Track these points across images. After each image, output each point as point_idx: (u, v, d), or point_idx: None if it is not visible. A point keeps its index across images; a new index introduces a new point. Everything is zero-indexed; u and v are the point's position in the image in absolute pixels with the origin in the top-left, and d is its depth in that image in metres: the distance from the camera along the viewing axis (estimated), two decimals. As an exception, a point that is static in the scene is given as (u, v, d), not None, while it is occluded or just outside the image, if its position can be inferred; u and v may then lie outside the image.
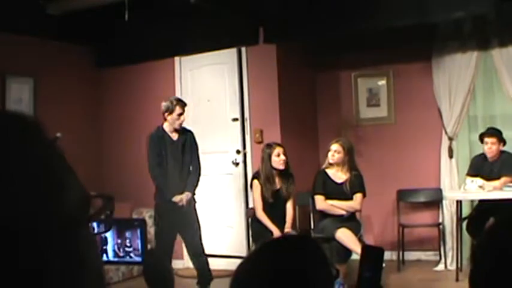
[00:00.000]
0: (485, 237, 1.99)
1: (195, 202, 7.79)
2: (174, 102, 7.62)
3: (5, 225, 0.89)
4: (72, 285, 0.95)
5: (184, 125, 7.77)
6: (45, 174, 0.96)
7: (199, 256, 7.80)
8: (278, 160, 7.78)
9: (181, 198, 7.58)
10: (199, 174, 7.83)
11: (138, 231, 2.29)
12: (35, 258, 0.91)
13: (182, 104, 7.69)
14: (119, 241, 2.26)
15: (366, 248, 2.40)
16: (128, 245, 2.27)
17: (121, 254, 2.27)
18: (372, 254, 2.36)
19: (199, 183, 7.84)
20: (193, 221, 7.74)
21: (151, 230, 8.10)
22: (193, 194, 7.76)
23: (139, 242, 2.28)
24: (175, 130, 7.68)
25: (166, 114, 7.61)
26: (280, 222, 7.73)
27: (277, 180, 7.83)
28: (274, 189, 7.81)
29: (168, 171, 7.63)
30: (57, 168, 0.99)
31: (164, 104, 7.65)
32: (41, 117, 1.03)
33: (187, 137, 7.82)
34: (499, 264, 1.78)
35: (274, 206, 7.80)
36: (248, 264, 1.75)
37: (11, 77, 8.74)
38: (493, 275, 1.79)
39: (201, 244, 7.77)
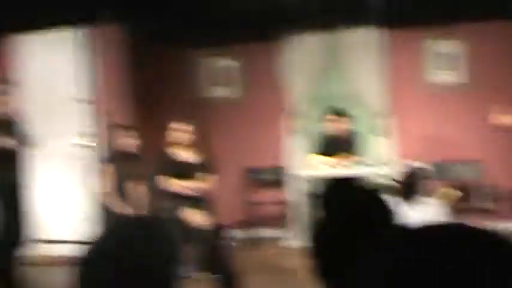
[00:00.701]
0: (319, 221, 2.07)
1: None
2: None
3: None
4: None
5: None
6: None
7: None
8: (127, 143, 7.75)
9: None
10: None
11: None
12: None
13: None
14: None
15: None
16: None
17: None
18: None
19: None
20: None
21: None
22: None
23: None
24: None
25: None
26: (131, 205, 7.71)
27: (124, 162, 7.79)
28: (124, 171, 7.77)
29: None
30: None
31: None
32: None
33: None
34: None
35: (123, 188, 7.77)
36: (94, 247, 1.72)
37: None
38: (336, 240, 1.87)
39: None
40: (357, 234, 1.91)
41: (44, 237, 9.03)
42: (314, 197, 8.61)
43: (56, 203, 9.08)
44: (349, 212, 2.05)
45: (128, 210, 7.65)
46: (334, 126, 8.35)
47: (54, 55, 9.14)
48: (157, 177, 8.04)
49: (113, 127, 8.04)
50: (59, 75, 9.08)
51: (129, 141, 7.77)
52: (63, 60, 9.06)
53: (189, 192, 7.85)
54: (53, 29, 8.91)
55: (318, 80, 9.37)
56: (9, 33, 9.26)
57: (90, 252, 1.70)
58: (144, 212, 7.85)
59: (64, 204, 9.08)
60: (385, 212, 2.05)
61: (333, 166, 8.15)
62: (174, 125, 7.98)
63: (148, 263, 1.69)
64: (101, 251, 1.70)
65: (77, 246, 7.90)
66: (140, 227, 1.80)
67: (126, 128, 7.88)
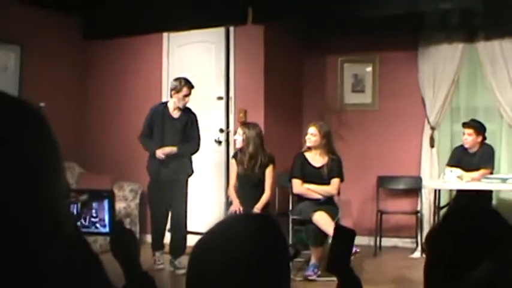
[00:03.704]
0: (438, 228, 2.04)
1: (189, 176, 8.05)
2: (183, 83, 7.85)
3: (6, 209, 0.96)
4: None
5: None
6: (46, 162, 1.02)
7: (179, 229, 7.94)
8: (237, 140, 7.97)
9: (162, 150, 7.82)
10: (196, 145, 8.09)
11: (105, 203, 2.30)
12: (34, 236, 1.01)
13: (190, 86, 7.88)
14: (85, 211, 2.28)
15: (338, 227, 2.43)
16: (94, 215, 2.29)
17: (86, 224, 2.29)
18: (344, 234, 2.40)
19: (191, 154, 8.14)
20: (181, 193, 7.96)
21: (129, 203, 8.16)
22: (188, 162, 8.08)
23: (106, 213, 2.29)
24: (178, 108, 7.83)
25: (173, 92, 7.85)
26: (251, 203, 7.77)
27: (246, 160, 7.90)
28: (243, 168, 7.91)
29: (163, 145, 7.84)
30: (56, 157, 1.04)
31: (173, 83, 7.92)
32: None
33: (189, 117, 8.01)
34: (455, 253, 1.83)
35: (244, 186, 7.91)
36: (203, 242, 1.78)
37: (-2, 44, 8.68)
38: (451, 264, 1.84)
39: (185, 217, 8.01)
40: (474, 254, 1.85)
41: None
42: (448, 209, 8.48)
43: (195, 195, 9.28)
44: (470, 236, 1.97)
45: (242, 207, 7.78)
46: (467, 139, 8.22)
47: (200, 52, 9.39)
48: (290, 179, 8.14)
49: (241, 124, 8.26)
50: (203, 71, 9.29)
51: (239, 138, 7.95)
52: (207, 57, 9.29)
53: (318, 196, 7.91)
54: (202, 27, 9.10)
55: (457, 91, 9.22)
56: (159, 31, 9.57)
57: (198, 245, 1.77)
58: (260, 210, 7.89)
59: (202, 197, 9.26)
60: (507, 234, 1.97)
61: (467, 179, 8.00)
62: (309, 128, 8.07)
63: (256, 259, 1.71)
64: (208, 243, 1.76)
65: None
66: (250, 222, 1.85)
67: (242, 125, 8.09)
